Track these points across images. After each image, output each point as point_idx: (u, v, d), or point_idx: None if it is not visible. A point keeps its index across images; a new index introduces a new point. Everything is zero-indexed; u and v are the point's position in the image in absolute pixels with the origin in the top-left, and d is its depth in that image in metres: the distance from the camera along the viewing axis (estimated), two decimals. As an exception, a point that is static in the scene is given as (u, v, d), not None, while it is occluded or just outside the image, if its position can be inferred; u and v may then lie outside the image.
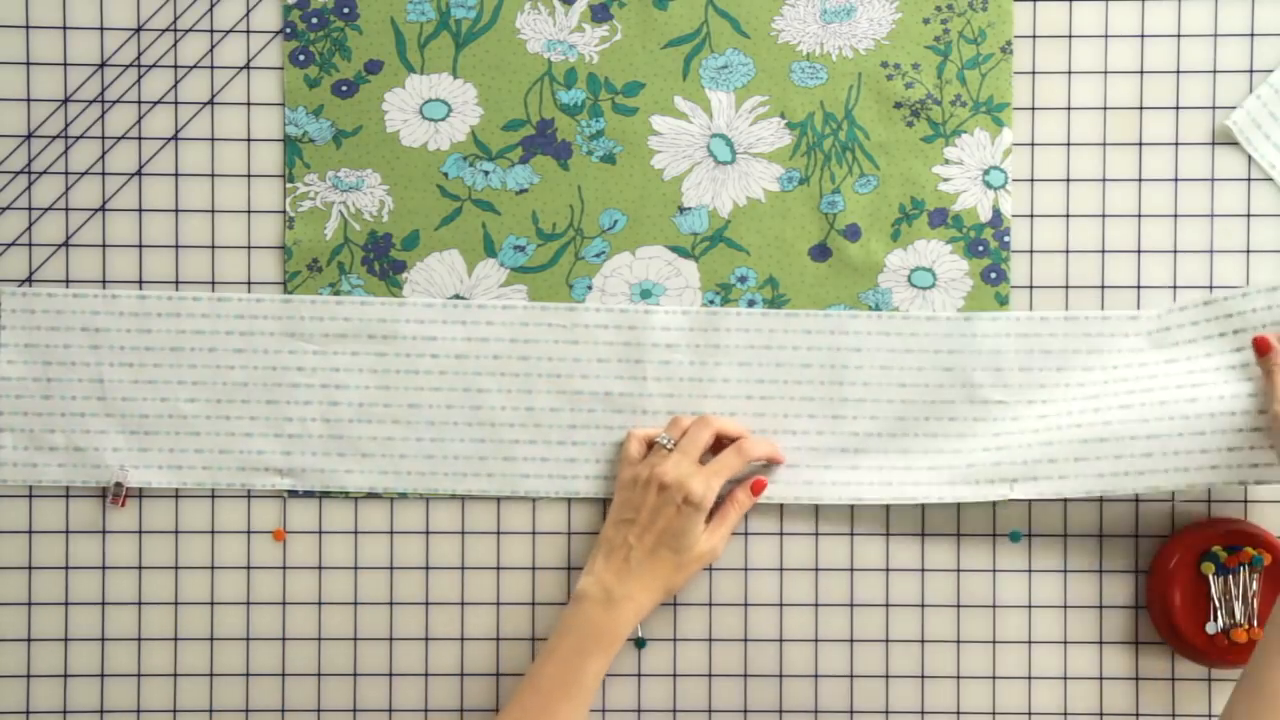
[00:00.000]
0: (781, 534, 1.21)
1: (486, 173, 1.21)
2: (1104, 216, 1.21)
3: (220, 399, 1.19)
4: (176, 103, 1.20)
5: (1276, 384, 1.12)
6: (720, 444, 1.19)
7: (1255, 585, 1.18)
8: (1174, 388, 1.18)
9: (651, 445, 1.18)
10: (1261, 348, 1.15)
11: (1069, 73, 1.20)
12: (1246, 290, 1.18)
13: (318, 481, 1.20)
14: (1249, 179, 1.20)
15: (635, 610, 1.14)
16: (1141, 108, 1.20)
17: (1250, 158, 1.20)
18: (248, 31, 1.20)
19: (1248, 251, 1.20)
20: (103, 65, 1.20)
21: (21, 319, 1.19)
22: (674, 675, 1.21)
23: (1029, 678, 1.21)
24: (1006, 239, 1.20)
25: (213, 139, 1.20)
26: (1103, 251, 1.21)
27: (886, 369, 1.20)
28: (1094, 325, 1.20)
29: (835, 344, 1.20)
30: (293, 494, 1.21)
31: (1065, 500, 1.20)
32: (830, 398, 1.20)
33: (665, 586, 1.16)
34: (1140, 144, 1.20)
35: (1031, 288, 1.21)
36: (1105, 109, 1.20)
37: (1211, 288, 1.20)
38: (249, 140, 1.20)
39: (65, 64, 1.20)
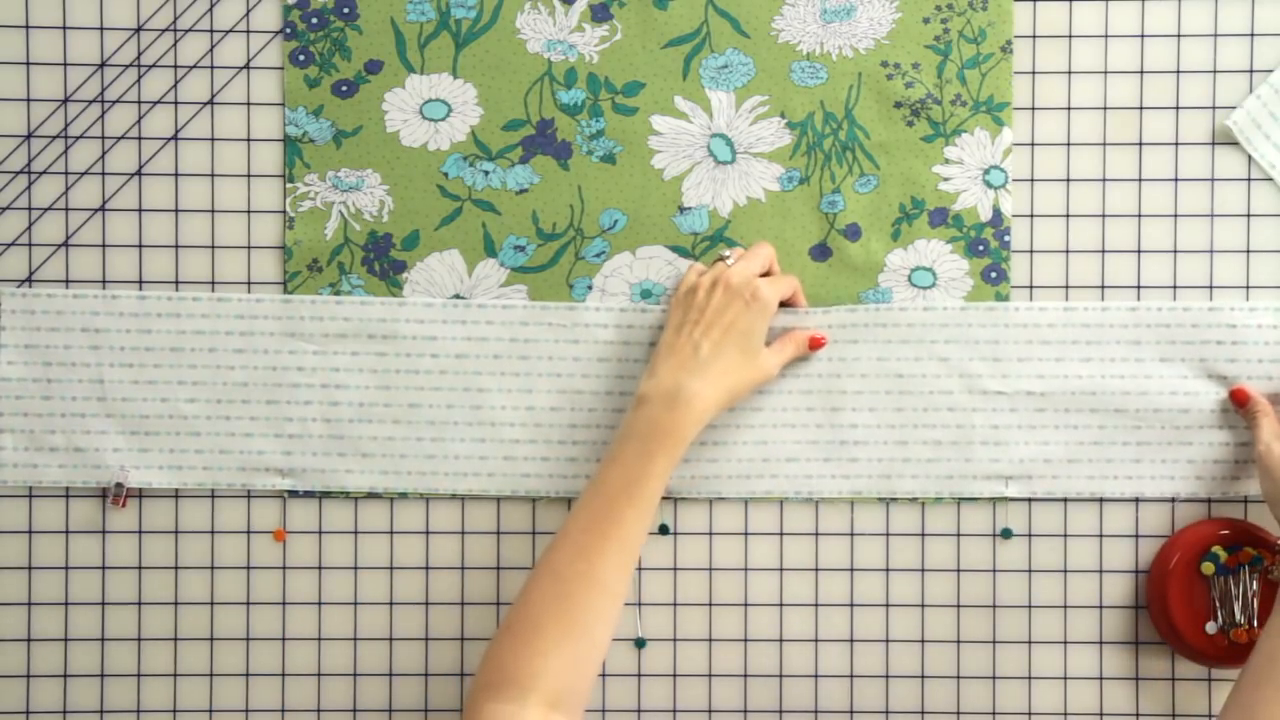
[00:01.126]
0: (781, 534, 1.21)
1: (486, 173, 1.21)
2: (1104, 216, 1.21)
3: (220, 399, 1.19)
4: (176, 103, 1.20)
5: (1260, 429, 1.15)
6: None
7: (1255, 585, 1.18)
8: (1168, 394, 1.19)
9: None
10: (1240, 400, 1.18)
11: (1069, 73, 1.20)
12: (1254, 306, 1.19)
13: (318, 481, 1.20)
14: (1249, 179, 1.20)
15: (702, 407, 1.11)
16: (1141, 108, 1.20)
17: (1250, 158, 1.20)
18: (248, 31, 1.20)
19: (1248, 251, 1.20)
20: (103, 65, 1.20)
21: (21, 319, 1.19)
22: (674, 675, 1.21)
23: (1029, 678, 1.21)
24: (1007, 238, 1.20)
25: (213, 139, 1.20)
26: (1103, 251, 1.21)
27: (884, 361, 1.20)
28: (1093, 316, 1.20)
29: (833, 338, 1.20)
30: (293, 494, 1.21)
31: (1065, 500, 1.20)
32: (828, 390, 1.20)
33: (731, 387, 1.13)
34: (1140, 144, 1.20)
35: (1031, 287, 1.21)
36: (1105, 109, 1.20)
37: (1211, 288, 1.20)
38: (249, 140, 1.20)
39: (65, 64, 1.20)
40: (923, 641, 1.21)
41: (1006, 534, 1.21)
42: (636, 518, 1.08)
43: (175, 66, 1.20)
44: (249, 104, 1.20)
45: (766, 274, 1.17)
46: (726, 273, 1.14)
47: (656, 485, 1.09)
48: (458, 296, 1.20)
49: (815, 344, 1.19)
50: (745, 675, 1.22)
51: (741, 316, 1.13)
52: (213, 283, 1.20)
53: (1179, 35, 1.20)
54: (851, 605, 1.21)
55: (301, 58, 1.20)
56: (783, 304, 1.18)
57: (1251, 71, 1.20)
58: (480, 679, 1.04)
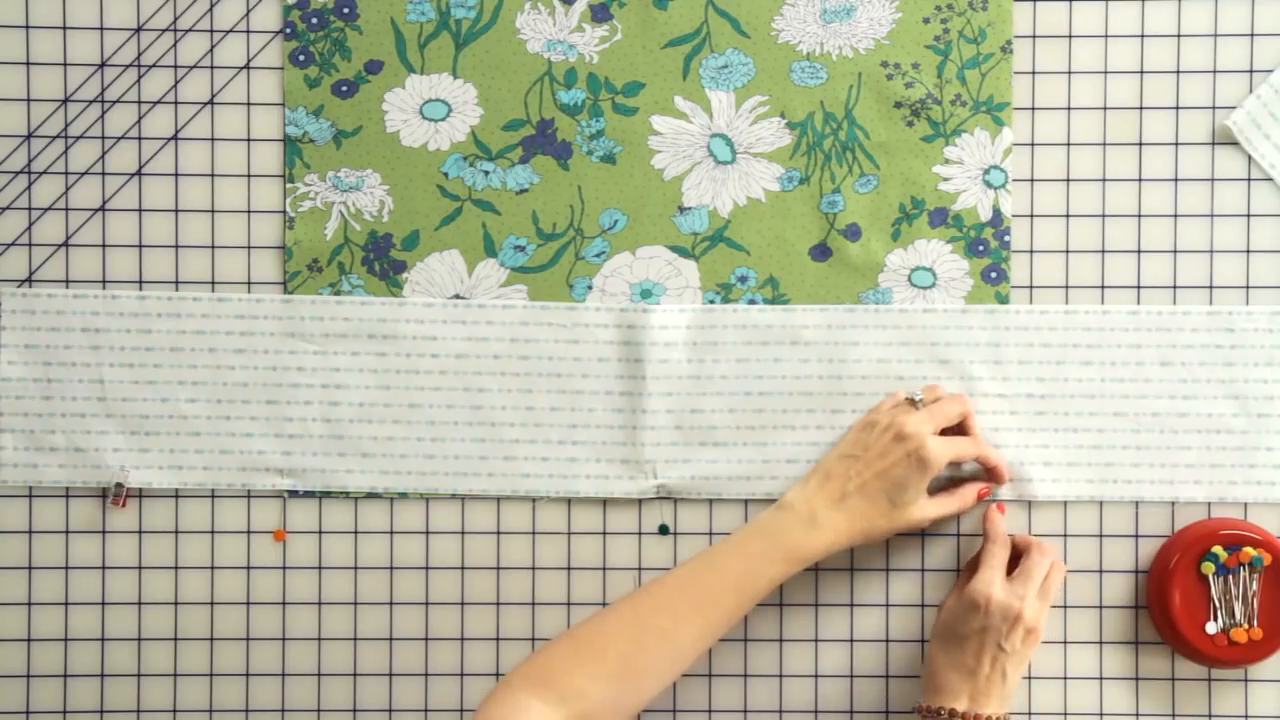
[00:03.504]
0: (781, 534, 1.21)
1: (486, 173, 1.21)
2: (1104, 216, 1.21)
3: (221, 399, 1.19)
4: (176, 103, 1.20)
5: (987, 563, 1.15)
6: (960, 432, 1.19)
7: (1255, 585, 1.18)
8: (1166, 398, 1.19)
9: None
10: (988, 523, 1.19)
11: (1069, 73, 1.20)
12: (1250, 310, 1.19)
13: (318, 481, 1.20)
14: (1249, 179, 1.20)
15: (832, 540, 1.11)
16: (1141, 108, 1.20)
17: (1250, 158, 1.20)
18: (248, 31, 1.20)
19: (1248, 251, 1.20)
20: (103, 65, 1.20)
21: (22, 320, 1.19)
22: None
23: (1029, 678, 1.21)
24: (1007, 238, 1.20)
25: (213, 139, 1.20)
26: (1103, 251, 1.21)
27: (884, 363, 1.20)
28: (1093, 320, 1.20)
29: (833, 339, 1.20)
30: (293, 494, 1.21)
31: (1065, 500, 1.20)
32: (829, 392, 1.20)
33: (867, 530, 1.13)
34: (1140, 144, 1.20)
35: (1032, 287, 1.21)
36: (1105, 109, 1.20)
37: (1211, 288, 1.20)
38: (249, 140, 1.20)
39: (65, 64, 1.20)
40: (922, 641, 1.21)
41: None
42: (734, 608, 1.10)
43: (175, 66, 1.20)
44: (249, 104, 1.20)
45: (959, 428, 1.18)
46: (901, 420, 1.14)
47: (765, 587, 1.11)
48: (458, 296, 1.20)
49: (982, 496, 1.19)
50: (745, 675, 1.22)
51: (898, 467, 1.12)
52: (213, 283, 1.20)
53: (1179, 35, 1.20)
54: (851, 605, 1.21)
55: (301, 58, 1.20)
56: (956, 429, 1.18)
57: (1251, 71, 1.20)
58: (526, 669, 1.07)
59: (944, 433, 1.15)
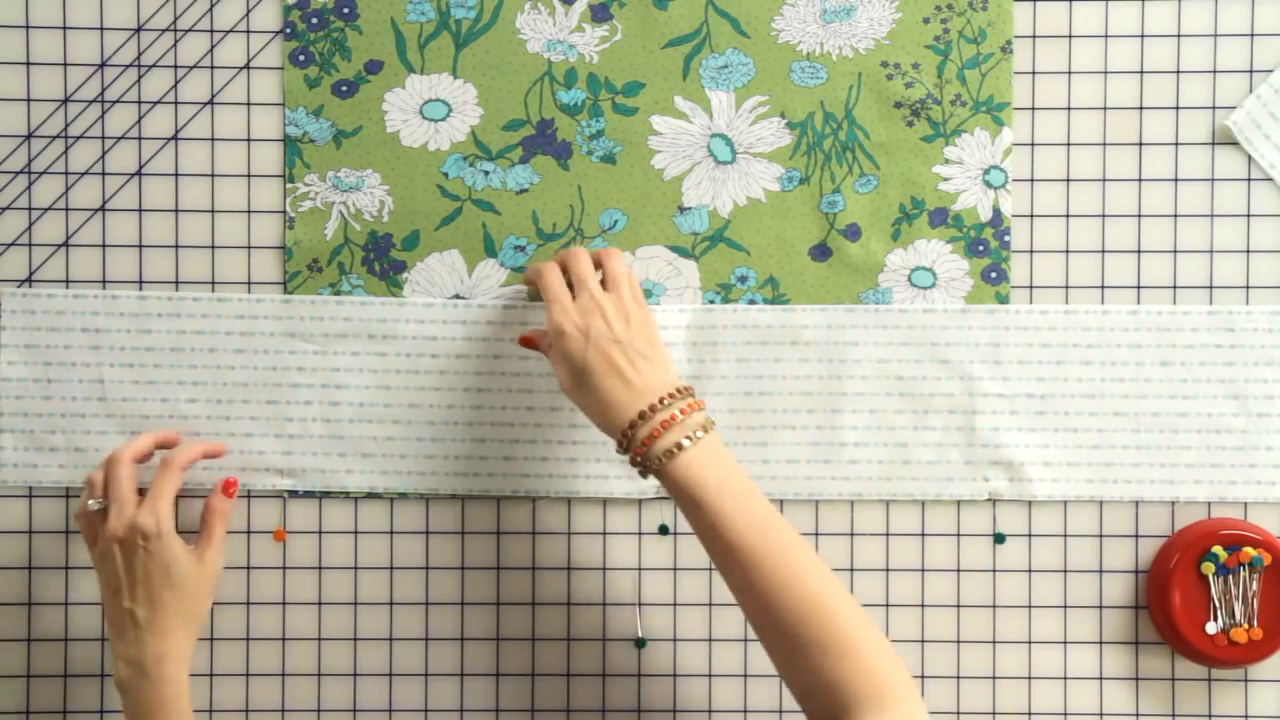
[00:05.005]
0: (781, 534, 1.21)
1: (486, 173, 1.20)
2: (1104, 216, 1.21)
3: (220, 399, 1.19)
4: (176, 103, 1.20)
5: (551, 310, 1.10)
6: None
7: (1255, 585, 1.18)
8: (1167, 398, 1.19)
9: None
10: (526, 345, 1.16)
11: (1069, 73, 1.20)
12: (1250, 310, 1.19)
13: (318, 482, 1.20)
14: (1249, 179, 1.20)
15: (175, 663, 1.10)
16: (1141, 108, 1.20)
17: (1250, 158, 1.20)
18: (248, 31, 1.20)
19: (1248, 251, 1.20)
20: (103, 65, 1.20)
21: (22, 320, 1.19)
22: (674, 675, 1.21)
23: (1029, 678, 1.21)
24: (1007, 239, 1.20)
25: (213, 139, 1.20)
26: (1103, 251, 1.21)
27: (884, 363, 1.20)
28: (1093, 320, 1.20)
29: (833, 339, 1.20)
30: (293, 494, 1.21)
31: (1065, 500, 1.20)
32: (829, 392, 1.20)
33: (184, 624, 1.12)
34: (1140, 144, 1.20)
35: (1032, 287, 1.21)
36: (1105, 109, 1.20)
37: (1211, 288, 1.20)
38: (249, 140, 1.20)
39: (65, 64, 1.20)
40: (923, 642, 1.21)
41: (1000, 539, 1.21)
42: None
43: (175, 66, 1.20)
44: (249, 104, 1.20)
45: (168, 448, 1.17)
46: (109, 529, 1.11)
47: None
48: (458, 296, 1.20)
49: (229, 488, 1.18)
50: (745, 675, 1.22)
51: (151, 563, 1.11)
52: (213, 283, 1.20)
53: (1179, 35, 1.20)
54: (851, 605, 1.21)
55: (301, 58, 1.20)
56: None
57: (1251, 71, 1.20)
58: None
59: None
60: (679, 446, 1.03)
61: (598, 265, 1.14)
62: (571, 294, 1.11)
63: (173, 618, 1.11)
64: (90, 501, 1.13)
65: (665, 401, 1.05)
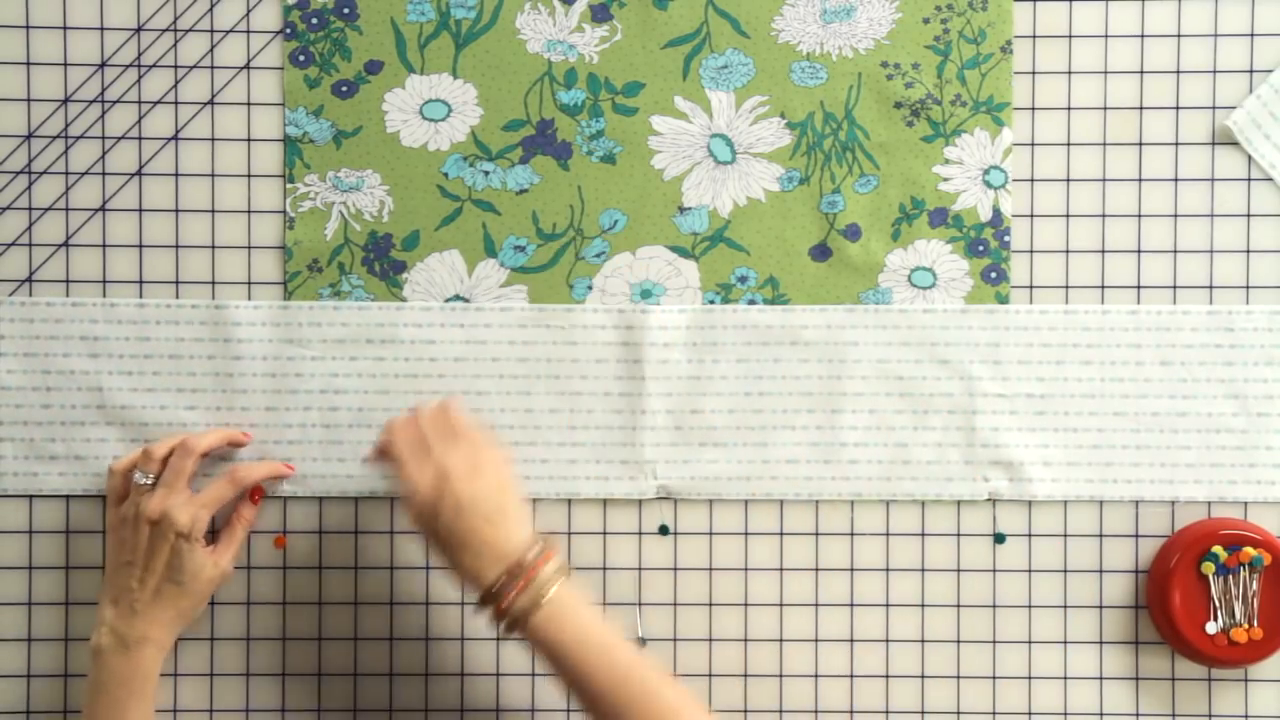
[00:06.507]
0: (781, 534, 1.21)
1: (486, 173, 1.20)
2: (1104, 216, 1.21)
3: (220, 406, 1.19)
4: (176, 103, 1.20)
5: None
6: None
7: (1255, 585, 1.18)
8: (1166, 398, 1.19)
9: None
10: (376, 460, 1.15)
11: (1069, 73, 1.20)
12: (1250, 310, 1.19)
13: (318, 486, 1.20)
14: (1249, 179, 1.20)
15: (156, 649, 1.13)
16: (1141, 108, 1.20)
17: (1250, 158, 1.20)
18: (248, 31, 1.20)
19: (1248, 251, 1.20)
20: (103, 65, 1.20)
21: (20, 328, 1.19)
22: (674, 675, 1.21)
23: (1029, 678, 1.21)
24: (1006, 239, 1.20)
25: (213, 139, 1.20)
26: (1103, 251, 1.21)
27: (884, 363, 1.20)
28: (1093, 320, 1.20)
29: (832, 339, 1.20)
30: (293, 497, 1.21)
31: (1065, 500, 1.20)
32: (829, 393, 1.20)
33: (178, 617, 1.14)
34: (1140, 144, 1.20)
35: (1032, 287, 1.21)
36: (1105, 109, 1.20)
37: (1211, 288, 1.20)
38: (249, 140, 1.20)
39: (65, 64, 1.20)
40: (923, 641, 1.21)
41: (1000, 539, 1.21)
42: None
43: (175, 66, 1.20)
44: (249, 104, 1.20)
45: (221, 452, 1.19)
46: (146, 507, 1.13)
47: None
48: (458, 297, 1.20)
49: (256, 497, 1.19)
50: (745, 675, 1.22)
51: (170, 556, 1.13)
52: (213, 283, 1.20)
53: (1179, 35, 1.20)
54: (851, 605, 1.21)
55: (301, 58, 1.20)
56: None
57: (1251, 71, 1.20)
58: None
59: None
60: (536, 604, 1.04)
61: (448, 417, 1.12)
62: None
63: (169, 609, 1.13)
64: (138, 473, 1.14)
65: (520, 562, 1.05)
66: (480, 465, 1.07)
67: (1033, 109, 1.20)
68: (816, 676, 1.22)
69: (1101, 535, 1.21)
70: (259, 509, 1.20)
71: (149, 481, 1.14)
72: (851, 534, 1.21)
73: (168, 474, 1.14)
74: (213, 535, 1.19)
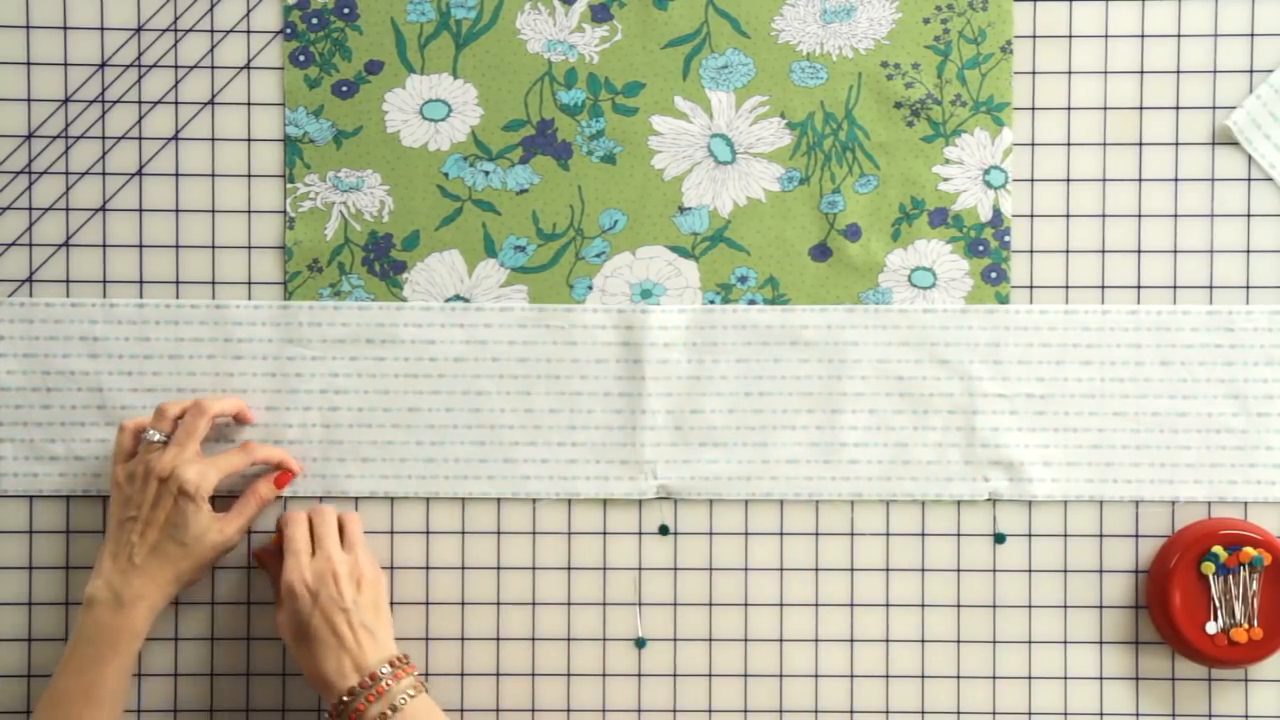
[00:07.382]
0: (781, 534, 1.21)
1: (487, 173, 1.21)
2: (1104, 216, 1.21)
3: (219, 406, 1.20)
4: (177, 103, 1.20)
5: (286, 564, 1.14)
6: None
7: (1255, 585, 1.18)
8: (1166, 397, 1.19)
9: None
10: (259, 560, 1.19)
11: (1069, 73, 1.20)
12: (1250, 310, 1.19)
13: (318, 487, 1.20)
14: (1249, 179, 1.20)
15: (148, 608, 1.13)
16: (1141, 108, 1.20)
17: (1250, 158, 1.20)
18: (248, 31, 1.20)
19: (1248, 251, 1.20)
20: (103, 65, 1.20)
21: (20, 329, 1.19)
22: (674, 675, 1.21)
23: (1029, 678, 1.21)
24: (1007, 239, 1.20)
25: (213, 139, 1.20)
26: (1103, 251, 1.21)
27: (884, 363, 1.20)
28: (1093, 320, 1.20)
29: (832, 339, 1.20)
30: (293, 498, 1.21)
31: (1065, 500, 1.20)
32: (829, 393, 1.20)
33: (176, 579, 1.14)
34: (1140, 144, 1.20)
35: (1032, 287, 1.21)
36: (1105, 109, 1.20)
37: (1211, 288, 1.20)
38: (249, 140, 1.20)
39: (65, 64, 1.20)
40: (923, 641, 1.21)
41: (1000, 539, 1.21)
42: (105, 716, 1.10)
43: (176, 66, 1.20)
44: (249, 104, 1.20)
45: (228, 420, 1.20)
46: (155, 463, 1.13)
47: (115, 686, 1.11)
48: (458, 297, 1.20)
49: (282, 482, 1.19)
50: (745, 675, 1.22)
51: (173, 512, 1.13)
52: (213, 283, 1.20)
53: (1179, 35, 1.20)
54: (851, 605, 1.21)
55: (302, 58, 1.20)
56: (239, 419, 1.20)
57: (1251, 71, 1.20)
58: None
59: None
60: (390, 711, 1.07)
61: (346, 524, 1.17)
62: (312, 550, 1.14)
63: (168, 570, 1.13)
64: (150, 430, 1.15)
65: (375, 675, 1.08)
66: (363, 579, 1.13)
67: (1033, 109, 1.20)
68: (816, 676, 1.22)
69: (1101, 535, 1.21)
70: (278, 493, 1.19)
71: (161, 439, 1.15)
72: (851, 534, 1.21)
73: (179, 433, 1.15)
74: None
